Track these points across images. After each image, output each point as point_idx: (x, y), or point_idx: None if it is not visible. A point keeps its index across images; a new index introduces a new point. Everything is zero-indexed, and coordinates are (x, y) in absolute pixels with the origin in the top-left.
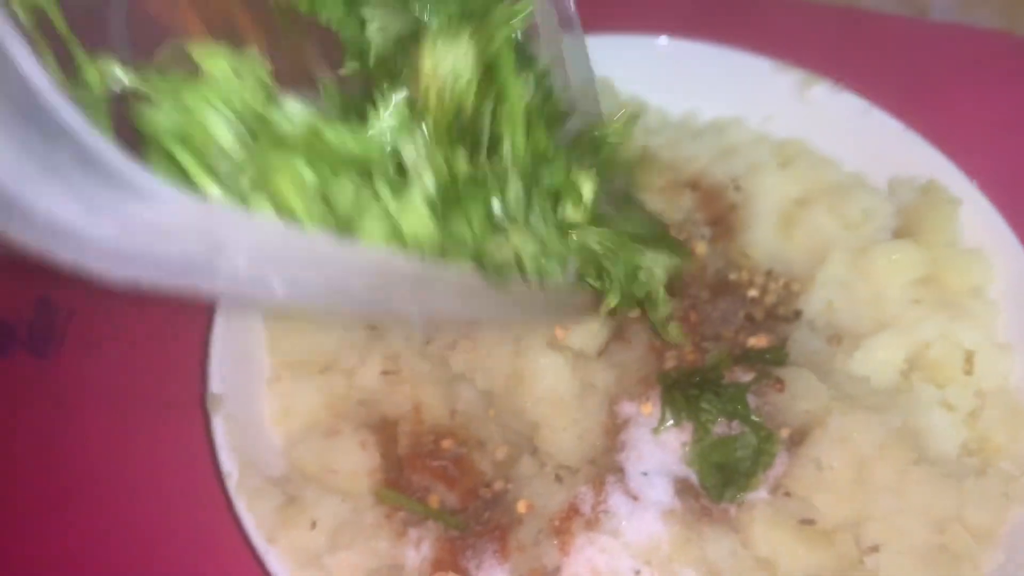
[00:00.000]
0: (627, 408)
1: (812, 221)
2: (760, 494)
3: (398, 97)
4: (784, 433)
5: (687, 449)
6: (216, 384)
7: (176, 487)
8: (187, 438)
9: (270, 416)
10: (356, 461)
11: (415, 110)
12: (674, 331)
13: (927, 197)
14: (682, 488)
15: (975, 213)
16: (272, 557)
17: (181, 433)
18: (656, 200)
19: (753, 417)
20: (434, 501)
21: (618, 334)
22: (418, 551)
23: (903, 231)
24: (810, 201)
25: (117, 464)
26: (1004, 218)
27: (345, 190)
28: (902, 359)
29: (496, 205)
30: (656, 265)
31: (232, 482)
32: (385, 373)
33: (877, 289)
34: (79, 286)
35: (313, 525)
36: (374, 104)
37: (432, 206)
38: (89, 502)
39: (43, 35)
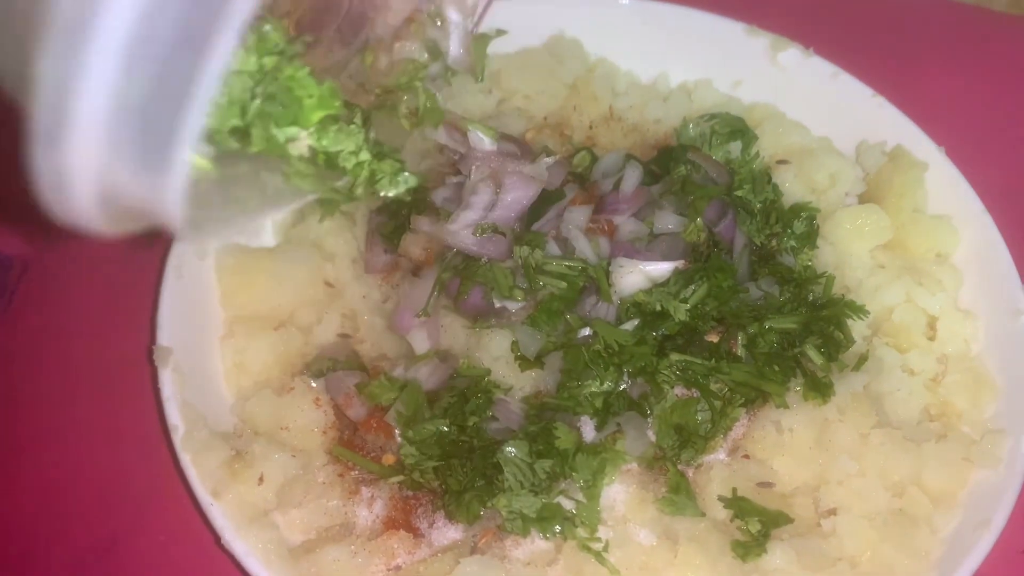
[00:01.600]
0: None
1: (779, 185)
2: (718, 456)
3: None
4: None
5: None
6: (164, 337)
7: (125, 445)
8: (138, 396)
9: (223, 373)
10: (309, 418)
11: None
12: None
13: (894, 163)
14: None
15: (942, 180)
16: (216, 511)
17: (131, 388)
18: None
19: (712, 386)
20: (388, 460)
21: None
22: (370, 510)
23: (869, 196)
24: (778, 164)
25: (66, 421)
26: (970, 185)
27: None
28: (865, 323)
29: None
30: None
31: (178, 436)
32: (342, 336)
33: (842, 253)
34: (29, 240)
35: (261, 480)
36: None
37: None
38: (37, 457)
39: None
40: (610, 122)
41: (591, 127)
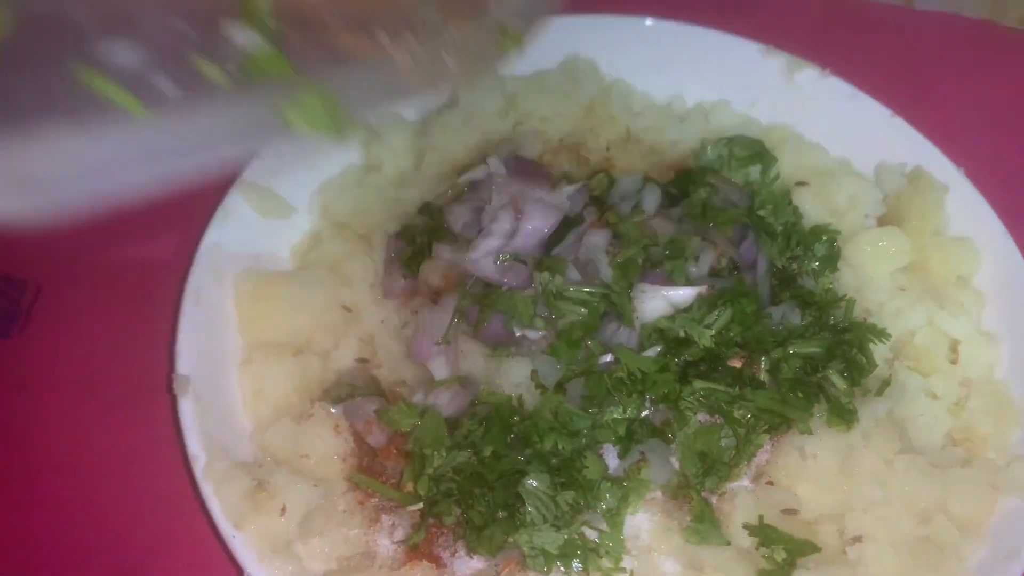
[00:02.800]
0: None
1: (798, 207)
2: (743, 483)
3: None
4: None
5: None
6: (183, 365)
7: (142, 471)
8: (154, 421)
9: (241, 399)
10: (329, 445)
11: None
12: None
13: (914, 184)
14: None
15: (962, 201)
16: (239, 543)
17: (148, 416)
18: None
19: (736, 412)
20: (407, 487)
21: None
22: (392, 538)
23: (889, 218)
24: (797, 186)
25: (81, 447)
26: (991, 206)
27: None
28: (887, 347)
29: None
30: None
31: (199, 466)
32: (360, 361)
33: (862, 276)
34: (44, 263)
35: (283, 511)
36: None
37: None
38: (52, 486)
39: None
40: (627, 143)
41: (608, 149)
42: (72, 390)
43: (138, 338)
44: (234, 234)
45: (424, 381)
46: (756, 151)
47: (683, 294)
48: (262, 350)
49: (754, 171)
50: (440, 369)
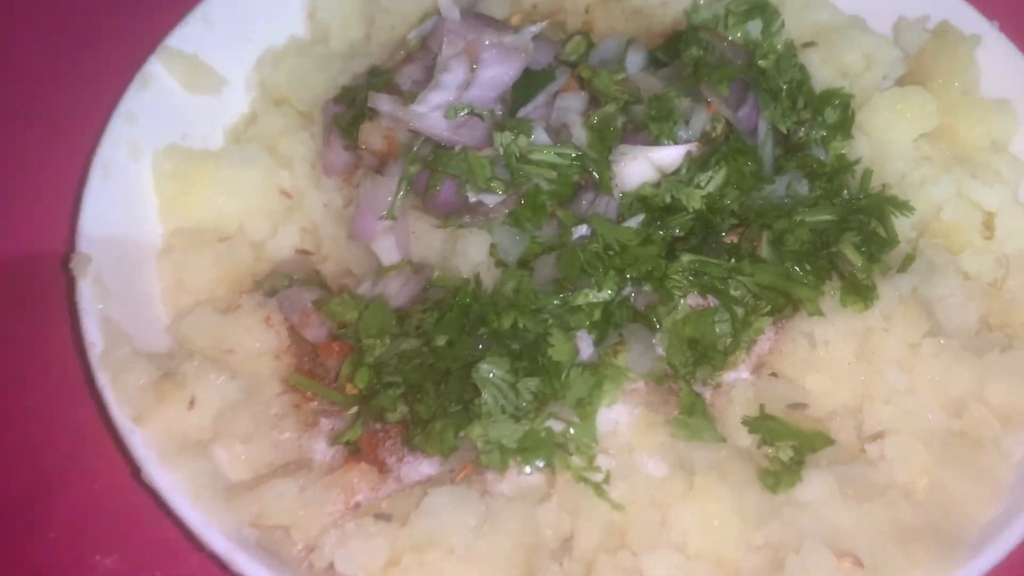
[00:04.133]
0: None
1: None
2: (740, 374)
3: None
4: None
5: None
6: (84, 243)
7: (32, 360)
8: (49, 305)
9: (160, 293)
10: (259, 340)
11: None
12: None
13: (939, 40)
14: None
15: (995, 57)
16: (137, 439)
17: (43, 299)
18: None
19: (732, 291)
20: (351, 389)
21: None
22: (330, 444)
23: (911, 79)
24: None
25: None
26: None
27: None
28: (910, 224)
29: None
30: None
31: (95, 353)
32: (302, 252)
33: (880, 144)
34: None
35: (192, 404)
36: None
37: None
38: None
39: None
40: (609, 4)
41: (587, 11)
42: None
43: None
44: (154, 106)
45: (372, 271)
46: (756, 4)
47: (670, 154)
48: (184, 236)
49: (753, 28)
50: (387, 251)
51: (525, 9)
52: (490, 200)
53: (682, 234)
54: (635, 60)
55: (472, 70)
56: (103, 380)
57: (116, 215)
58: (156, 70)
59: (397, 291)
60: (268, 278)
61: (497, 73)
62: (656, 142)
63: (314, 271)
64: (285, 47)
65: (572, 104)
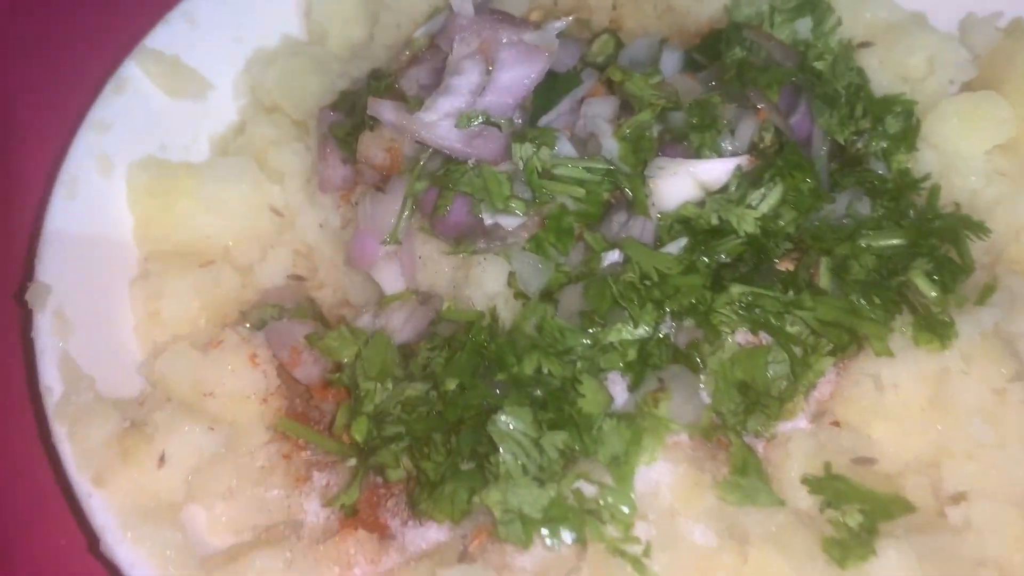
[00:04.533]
0: None
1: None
2: (798, 423)
3: None
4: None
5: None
6: (45, 272)
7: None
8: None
9: (133, 326)
10: (242, 381)
11: None
12: None
13: (1012, 39)
14: None
15: None
16: (96, 504)
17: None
18: None
19: (789, 327)
20: (348, 438)
21: None
22: (324, 503)
23: (980, 84)
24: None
25: None
26: None
27: None
28: (983, 247)
29: None
30: None
31: (51, 399)
32: (295, 278)
33: (949, 157)
34: None
35: (161, 461)
36: None
37: None
38: None
39: None
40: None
41: (615, 7)
42: None
43: None
44: (129, 113)
45: (373, 302)
46: (806, 0)
47: (716, 168)
48: (161, 261)
49: (803, 26)
50: (390, 279)
51: (545, 4)
52: (508, 222)
53: (728, 260)
54: (671, 61)
55: (487, 72)
56: (59, 432)
57: (82, 238)
58: (133, 73)
59: (401, 325)
60: (255, 309)
61: (516, 76)
62: (698, 154)
63: (308, 300)
64: (278, 47)
65: (601, 110)
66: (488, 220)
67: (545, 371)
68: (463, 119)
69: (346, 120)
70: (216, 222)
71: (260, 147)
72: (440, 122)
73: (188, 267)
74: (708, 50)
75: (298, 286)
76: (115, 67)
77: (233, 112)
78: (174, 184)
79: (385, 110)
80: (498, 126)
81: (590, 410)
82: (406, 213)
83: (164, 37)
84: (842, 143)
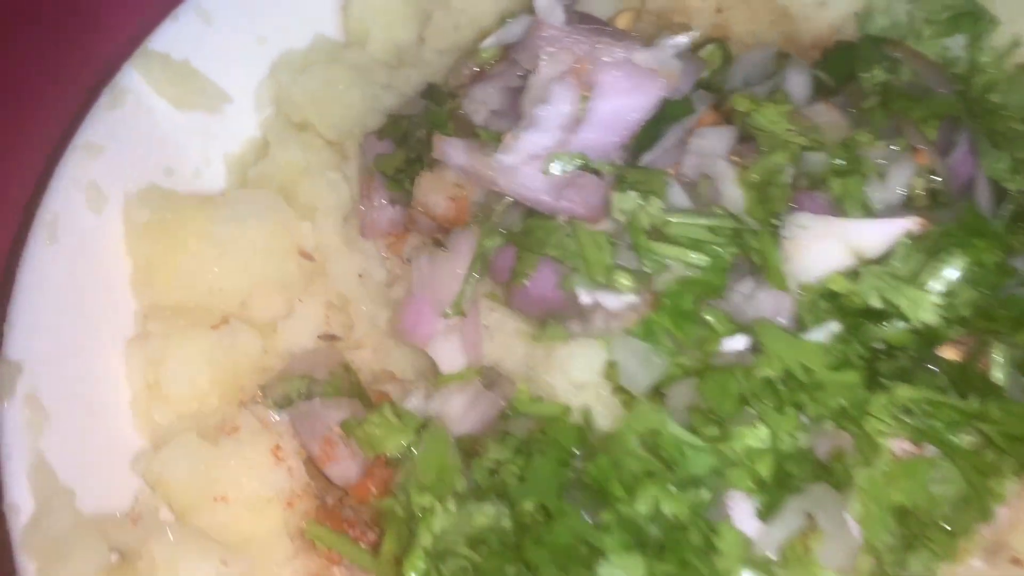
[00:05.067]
0: None
1: None
2: (972, 564)
3: None
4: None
5: None
6: (16, 345)
7: None
8: None
9: (129, 401)
10: (264, 481)
11: None
12: None
13: None
14: None
15: None
16: None
17: None
18: None
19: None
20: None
21: None
22: None
23: None
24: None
25: None
26: None
27: None
28: None
29: None
30: None
31: (18, 522)
32: (326, 338)
33: None
34: None
35: None
36: None
37: None
38: None
39: None
40: (749, 1)
41: (719, 10)
42: None
43: None
44: (127, 132)
45: (425, 376)
46: (962, 10)
47: (876, 231)
48: (164, 318)
49: (955, 43)
50: (448, 355)
51: (634, 6)
52: (612, 302)
53: (890, 349)
54: (799, 84)
55: (583, 100)
56: (27, 569)
57: (66, 292)
58: (132, 82)
59: (461, 413)
60: (280, 381)
61: (621, 107)
62: (839, 207)
63: (342, 368)
64: (308, 50)
65: (715, 145)
66: (585, 298)
67: (665, 510)
68: (552, 162)
69: (396, 152)
70: (232, 269)
71: (287, 175)
72: (521, 166)
73: (197, 327)
74: (833, 67)
75: (330, 349)
76: (110, 74)
77: (254, 128)
78: (181, 221)
79: (453, 151)
80: (597, 172)
81: (726, 562)
82: (473, 276)
83: (172, 37)
84: (1013, 191)
